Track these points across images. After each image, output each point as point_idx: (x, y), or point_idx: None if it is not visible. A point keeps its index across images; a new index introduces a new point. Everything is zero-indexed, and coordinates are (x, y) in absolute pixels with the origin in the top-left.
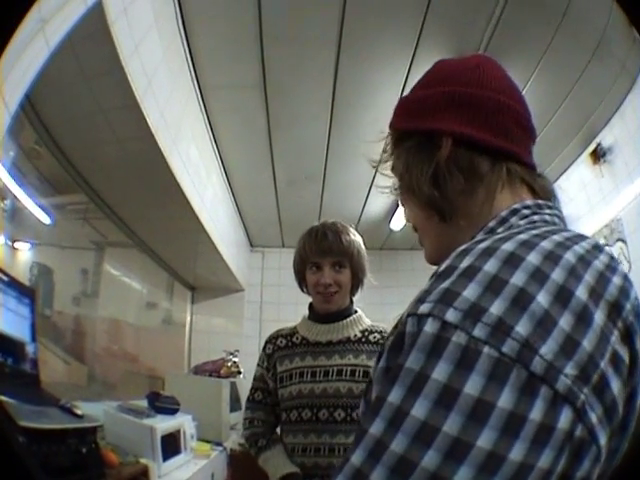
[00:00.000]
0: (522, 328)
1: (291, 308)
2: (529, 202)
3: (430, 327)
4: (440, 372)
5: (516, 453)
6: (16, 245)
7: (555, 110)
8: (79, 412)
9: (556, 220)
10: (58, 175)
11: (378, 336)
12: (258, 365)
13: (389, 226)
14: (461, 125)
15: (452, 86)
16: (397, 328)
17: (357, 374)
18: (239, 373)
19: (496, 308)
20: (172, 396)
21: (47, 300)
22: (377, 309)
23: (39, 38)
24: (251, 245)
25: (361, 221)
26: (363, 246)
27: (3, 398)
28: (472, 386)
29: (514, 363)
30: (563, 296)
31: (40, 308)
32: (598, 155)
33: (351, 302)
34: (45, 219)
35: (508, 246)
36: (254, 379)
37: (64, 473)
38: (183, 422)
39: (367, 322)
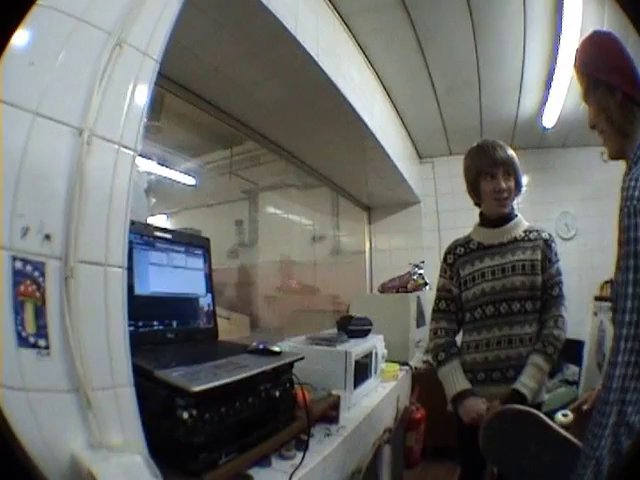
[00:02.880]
0: None
1: (467, 214)
2: None
3: None
4: None
5: None
6: (164, 225)
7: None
8: (276, 349)
9: None
10: (187, 140)
11: (536, 234)
12: (440, 276)
13: (542, 124)
14: (627, 87)
15: (621, 59)
16: None
17: (527, 268)
18: (426, 284)
19: None
20: (364, 317)
21: None
22: (542, 207)
23: None
24: (419, 157)
25: (518, 121)
26: None
27: (166, 375)
28: None
29: None
30: None
31: None
32: None
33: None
34: (190, 181)
35: None
36: (437, 290)
37: (252, 426)
38: (375, 343)
39: (526, 224)
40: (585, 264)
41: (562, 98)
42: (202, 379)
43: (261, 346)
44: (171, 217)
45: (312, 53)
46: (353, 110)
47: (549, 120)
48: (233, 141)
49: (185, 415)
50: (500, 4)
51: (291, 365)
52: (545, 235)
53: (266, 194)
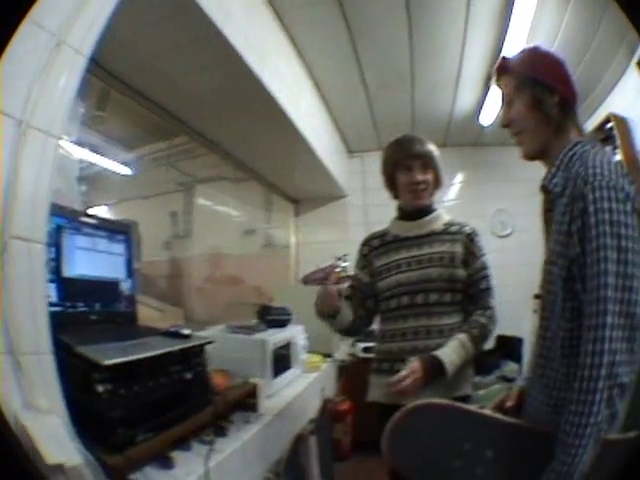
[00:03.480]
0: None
1: (394, 209)
2: (580, 138)
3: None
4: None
5: None
6: (90, 211)
7: (598, 22)
8: (186, 332)
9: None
10: (129, 131)
11: (457, 227)
12: (355, 266)
13: (479, 122)
14: (565, 92)
15: (562, 70)
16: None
17: (445, 260)
18: (349, 277)
19: (627, 186)
20: (283, 307)
21: (135, 254)
22: (476, 204)
23: None
24: (349, 151)
25: (453, 118)
26: None
27: (84, 350)
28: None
29: None
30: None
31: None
32: None
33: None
34: (125, 171)
35: (606, 157)
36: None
37: (166, 407)
38: (294, 333)
39: (447, 217)
40: (523, 261)
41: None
42: (114, 355)
43: (173, 329)
44: (111, 208)
45: (238, 47)
46: (277, 103)
47: (487, 118)
48: (173, 132)
49: (101, 389)
50: None
51: (202, 349)
52: (467, 229)
53: (201, 186)
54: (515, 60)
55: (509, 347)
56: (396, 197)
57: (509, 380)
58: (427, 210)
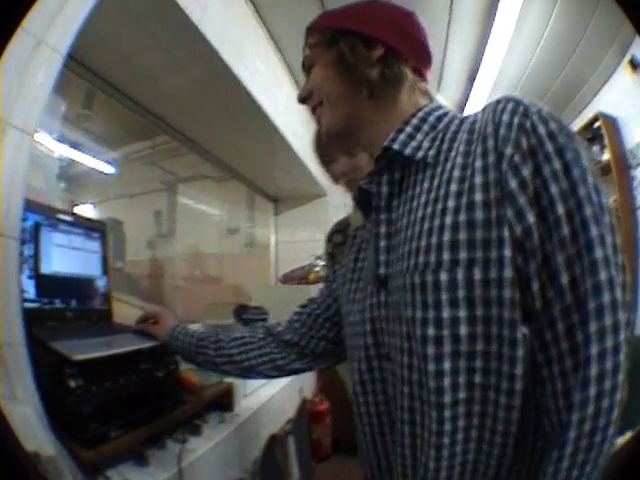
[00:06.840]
0: None
1: None
2: (434, 105)
3: None
4: None
5: None
6: (75, 210)
7: (588, 21)
8: None
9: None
10: (114, 130)
11: None
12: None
13: None
14: (394, 42)
15: (396, 16)
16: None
17: None
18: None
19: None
20: (260, 306)
21: (118, 252)
22: None
23: None
24: None
25: None
26: None
27: (56, 345)
28: None
29: None
30: None
31: (111, 262)
32: (635, 64)
33: None
34: (109, 170)
35: None
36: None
37: (138, 404)
38: None
39: None
40: None
41: (486, 96)
42: (85, 351)
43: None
44: (97, 206)
45: (214, 43)
46: (254, 101)
47: None
48: (155, 131)
49: (73, 384)
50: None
51: None
52: None
53: (184, 185)
54: (329, 14)
55: None
56: None
57: None
58: None
